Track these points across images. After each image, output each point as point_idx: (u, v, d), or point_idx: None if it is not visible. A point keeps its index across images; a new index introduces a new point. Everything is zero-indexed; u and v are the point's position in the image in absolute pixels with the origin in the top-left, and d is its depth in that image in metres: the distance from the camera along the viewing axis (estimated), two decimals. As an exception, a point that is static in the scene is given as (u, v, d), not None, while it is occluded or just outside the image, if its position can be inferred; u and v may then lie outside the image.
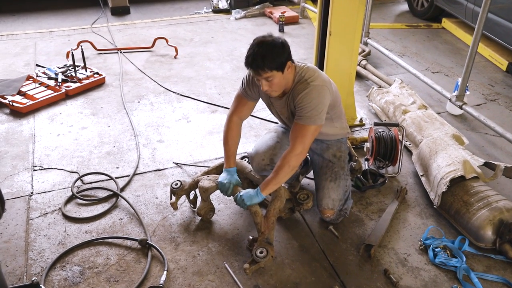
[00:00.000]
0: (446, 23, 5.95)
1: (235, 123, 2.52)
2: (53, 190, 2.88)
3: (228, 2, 6.67)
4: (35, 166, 3.11)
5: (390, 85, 4.06)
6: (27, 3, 6.76)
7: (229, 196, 2.46)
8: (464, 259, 2.35)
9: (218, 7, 6.62)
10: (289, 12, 6.21)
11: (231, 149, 2.51)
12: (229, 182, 2.43)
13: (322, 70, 3.45)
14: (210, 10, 6.64)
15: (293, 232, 2.57)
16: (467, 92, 3.66)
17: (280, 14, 5.82)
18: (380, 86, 4.14)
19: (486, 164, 2.82)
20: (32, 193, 2.86)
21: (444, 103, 3.99)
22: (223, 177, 2.46)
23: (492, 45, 5.04)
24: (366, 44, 4.99)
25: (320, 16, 3.35)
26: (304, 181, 2.96)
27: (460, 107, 3.60)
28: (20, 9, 6.51)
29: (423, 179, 2.94)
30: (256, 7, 6.54)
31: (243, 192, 2.37)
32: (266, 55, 2.10)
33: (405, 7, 6.86)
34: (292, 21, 6.12)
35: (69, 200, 2.80)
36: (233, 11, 6.44)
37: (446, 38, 5.67)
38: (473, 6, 4.97)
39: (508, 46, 4.60)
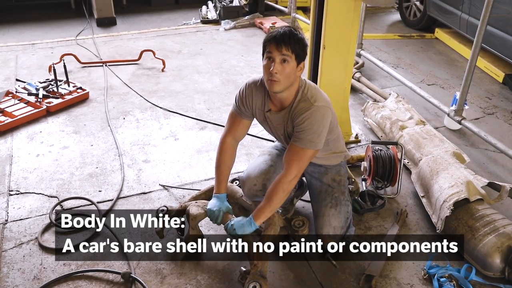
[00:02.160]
0: (439, 33, 5.86)
1: (229, 144, 2.33)
2: (30, 217, 2.68)
3: (218, 12, 6.54)
4: (11, 191, 2.91)
5: (385, 98, 3.93)
6: (9, 15, 6.56)
7: (218, 224, 2.29)
8: (472, 289, 2.20)
9: (207, 18, 6.48)
10: (280, 23, 6.08)
11: (222, 174, 2.33)
12: (219, 209, 2.25)
13: (316, 84, 3.31)
14: (199, 21, 6.50)
15: (288, 262, 2.39)
16: (466, 107, 3.53)
17: (271, 25, 5.69)
18: (375, 100, 4.00)
19: (490, 185, 2.68)
20: (7, 220, 2.66)
21: (441, 116, 3.86)
22: (212, 203, 2.28)
23: (488, 56, 4.94)
24: (359, 55, 4.86)
25: (313, 29, 3.21)
26: (299, 203, 2.80)
27: (459, 122, 3.47)
28: (1, 21, 6.30)
29: (424, 200, 2.79)
30: (246, 17, 6.41)
31: (234, 220, 2.19)
32: (295, 36, 2.02)
33: (397, 16, 6.78)
34: (283, 31, 5.97)
35: (46, 228, 2.60)
36: (223, 21, 6.31)
37: (439, 49, 5.57)
38: (467, 16, 4.87)
39: (504, 57, 4.51)
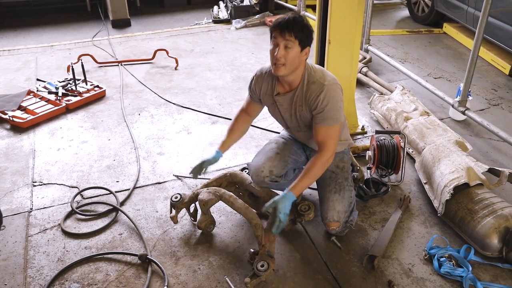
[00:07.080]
0: (447, 28, 5.92)
1: (241, 118, 2.61)
2: (53, 206, 2.86)
3: (229, 12, 6.69)
4: (35, 182, 3.09)
5: (391, 92, 4.03)
6: (29, 18, 6.81)
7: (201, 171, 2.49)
8: (470, 268, 2.30)
9: (219, 18, 6.64)
10: (289, 21, 6.19)
11: (227, 140, 2.57)
12: (208, 160, 2.48)
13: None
14: (211, 20, 6.66)
15: (295, 244, 2.53)
16: (470, 97, 3.62)
17: (280, 23, 5.80)
18: (381, 93, 4.11)
19: (490, 171, 2.77)
20: (31, 209, 2.84)
21: (446, 109, 3.95)
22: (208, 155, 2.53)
23: (494, 49, 5.00)
24: (367, 51, 4.97)
25: (318, 24, 3.33)
26: (306, 191, 2.92)
27: (463, 113, 3.56)
28: (22, 24, 6.55)
29: (426, 187, 2.89)
30: (257, 16, 6.55)
31: (272, 200, 2.24)
32: (299, 23, 2.12)
33: (405, 12, 6.85)
34: (293, 29, 6.09)
35: (68, 215, 2.77)
36: (234, 21, 6.45)
37: (447, 43, 5.64)
38: (473, 10, 4.94)
39: (510, 50, 4.56)
